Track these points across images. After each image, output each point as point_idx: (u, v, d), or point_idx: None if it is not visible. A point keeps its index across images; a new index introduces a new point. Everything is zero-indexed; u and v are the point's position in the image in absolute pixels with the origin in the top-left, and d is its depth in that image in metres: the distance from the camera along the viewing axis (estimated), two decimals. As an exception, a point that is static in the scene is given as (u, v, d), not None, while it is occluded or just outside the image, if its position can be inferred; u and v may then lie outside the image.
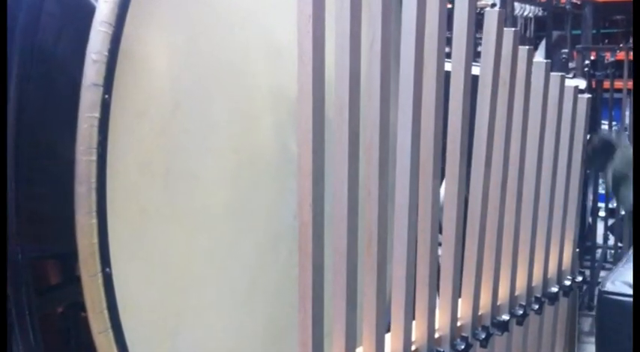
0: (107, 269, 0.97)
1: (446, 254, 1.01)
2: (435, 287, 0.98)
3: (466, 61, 0.95)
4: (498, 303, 1.16)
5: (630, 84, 3.50)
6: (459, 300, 1.08)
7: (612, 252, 3.92)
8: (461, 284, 1.07)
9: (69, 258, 1.28)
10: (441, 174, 0.97)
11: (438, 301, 1.03)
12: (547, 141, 1.20)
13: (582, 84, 1.29)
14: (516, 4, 3.70)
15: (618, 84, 3.54)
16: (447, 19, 0.92)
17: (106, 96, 0.93)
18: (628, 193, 1.57)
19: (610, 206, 4.01)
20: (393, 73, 0.87)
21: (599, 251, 3.86)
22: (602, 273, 3.82)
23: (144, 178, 1.07)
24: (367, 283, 0.87)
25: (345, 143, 0.79)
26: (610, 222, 4.04)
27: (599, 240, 3.87)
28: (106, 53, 0.93)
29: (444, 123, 0.95)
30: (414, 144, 0.88)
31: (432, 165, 0.92)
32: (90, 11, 0.96)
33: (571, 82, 1.25)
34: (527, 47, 1.10)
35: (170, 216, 1.11)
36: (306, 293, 0.79)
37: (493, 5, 3.33)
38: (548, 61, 1.17)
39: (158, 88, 1.07)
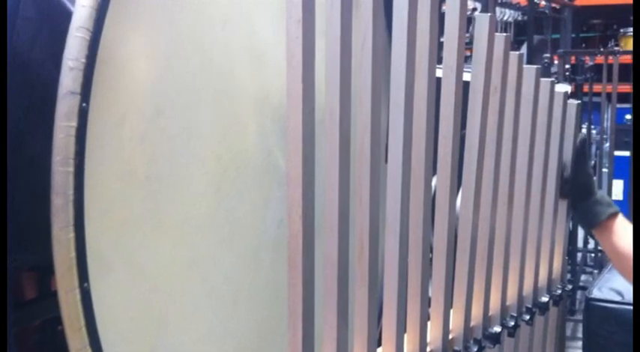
0: (85, 285, 0.94)
1: (437, 264, 0.99)
2: (426, 299, 0.95)
3: (457, 66, 0.92)
4: (490, 314, 1.13)
5: (609, 87, 3.53)
6: (451, 312, 1.05)
7: (592, 255, 3.93)
8: (452, 295, 1.05)
9: (46, 272, 1.25)
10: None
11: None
12: (537, 148, 1.18)
13: (569, 89, 1.26)
14: (496, 9, 3.71)
15: (597, 88, 3.56)
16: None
17: (84, 104, 0.91)
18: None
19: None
20: (385, 76, 0.84)
21: (580, 254, 3.88)
22: (583, 277, 3.84)
23: (124, 187, 1.04)
24: (359, 295, 0.84)
25: (336, 148, 0.75)
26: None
27: (580, 243, 3.88)
28: (84, 59, 0.90)
29: (435, 130, 0.93)
30: (405, 148, 0.85)
31: (424, 170, 0.89)
32: (67, 16, 0.93)
33: (560, 88, 1.23)
34: (517, 53, 1.08)
35: (151, 226, 1.08)
36: (296, 310, 0.76)
37: (474, 10, 3.32)
38: (538, 66, 1.16)
39: (138, 93, 1.04)
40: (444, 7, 0.99)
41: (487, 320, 1.12)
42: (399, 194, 0.85)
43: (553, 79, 1.21)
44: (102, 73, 0.94)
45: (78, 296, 0.93)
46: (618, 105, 3.68)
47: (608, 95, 3.57)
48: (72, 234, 0.92)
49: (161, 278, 1.11)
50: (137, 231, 1.05)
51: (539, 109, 1.16)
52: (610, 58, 3.46)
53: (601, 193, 1.30)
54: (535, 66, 1.15)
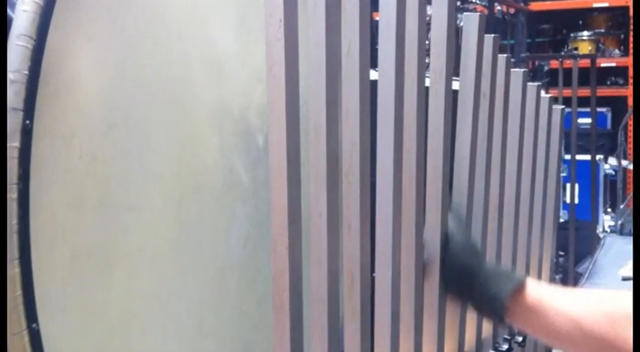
0: (34, 325, 0.85)
1: (429, 291, 0.90)
2: (420, 332, 0.86)
3: (447, 73, 0.84)
4: (483, 337, 1.05)
5: (566, 92, 3.55)
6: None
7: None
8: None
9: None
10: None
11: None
12: (525, 155, 1.11)
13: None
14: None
15: (553, 92, 3.57)
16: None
17: (27, 121, 0.81)
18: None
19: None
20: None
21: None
22: (545, 283, 3.81)
23: (74, 214, 0.94)
24: (349, 331, 0.75)
25: (323, 168, 0.66)
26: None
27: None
28: (26, 71, 0.81)
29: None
30: (396, 168, 0.76)
31: (415, 191, 0.80)
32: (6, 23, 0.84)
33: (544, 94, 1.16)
34: (505, 55, 1.00)
35: (106, 257, 0.98)
36: (283, 353, 0.66)
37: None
38: (525, 70, 1.08)
39: (88, 107, 0.95)
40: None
41: (480, 345, 1.04)
42: (390, 215, 0.75)
43: (539, 83, 1.14)
44: (47, 85, 0.85)
45: (26, 339, 0.84)
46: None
47: (565, 99, 3.58)
48: (17, 270, 0.82)
49: (118, 314, 1.01)
50: (89, 264, 0.95)
51: (526, 115, 1.09)
52: (566, 61, 3.48)
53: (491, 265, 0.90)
54: (522, 69, 1.07)
